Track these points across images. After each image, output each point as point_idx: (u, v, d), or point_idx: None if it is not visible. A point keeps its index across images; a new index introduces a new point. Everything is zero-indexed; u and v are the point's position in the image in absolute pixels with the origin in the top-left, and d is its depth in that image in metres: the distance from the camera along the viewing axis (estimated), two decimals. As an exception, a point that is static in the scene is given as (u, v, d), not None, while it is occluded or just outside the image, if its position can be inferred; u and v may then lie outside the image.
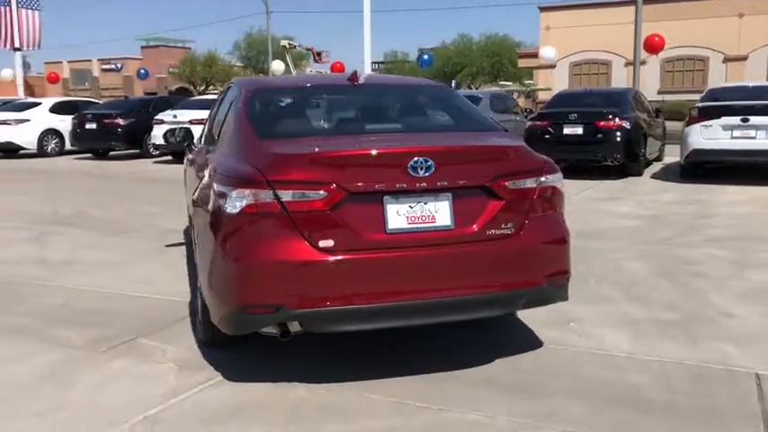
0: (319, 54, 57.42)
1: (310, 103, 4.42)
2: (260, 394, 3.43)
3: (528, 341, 4.10)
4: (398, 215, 3.34)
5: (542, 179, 3.59)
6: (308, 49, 59.50)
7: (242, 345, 3.91)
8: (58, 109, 19.34)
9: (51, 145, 18.83)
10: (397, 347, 4.03)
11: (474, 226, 3.43)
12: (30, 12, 25.24)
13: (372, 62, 21.72)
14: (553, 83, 38.34)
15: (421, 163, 3.31)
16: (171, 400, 3.36)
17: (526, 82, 51.33)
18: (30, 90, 42.89)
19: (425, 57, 34.60)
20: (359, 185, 3.28)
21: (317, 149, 3.41)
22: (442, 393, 3.43)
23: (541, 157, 3.73)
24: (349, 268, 3.27)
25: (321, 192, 3.23)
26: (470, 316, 3.62)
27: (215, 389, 3.50)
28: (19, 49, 25.35)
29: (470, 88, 56.66)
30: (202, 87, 54.10)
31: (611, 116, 12.14)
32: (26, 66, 55.99)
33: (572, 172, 12.55)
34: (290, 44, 59.41)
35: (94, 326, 4.45)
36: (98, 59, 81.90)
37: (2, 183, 13.45)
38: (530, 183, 3.55)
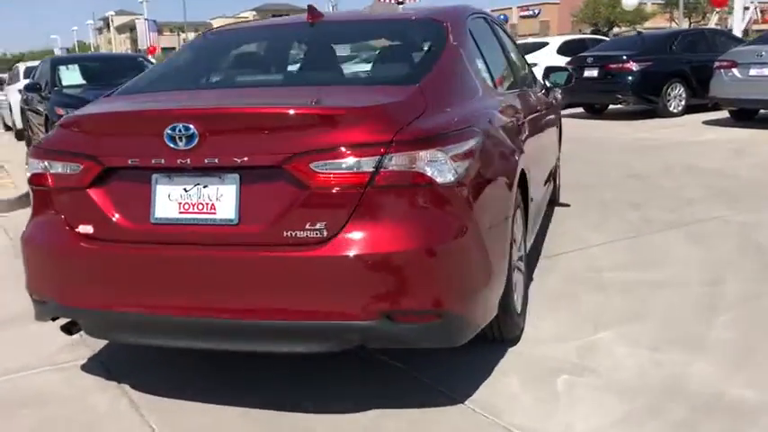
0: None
1: (230, 49, 3.58)
2: (67, 389, 3.02)
3: (451, 393, 2.80)
4: (170, 200, 2.51)
5: (387, 160, 2.33)
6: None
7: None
8: (564, 50, 15.83)
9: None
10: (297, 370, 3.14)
11: (264, 223, 2.41)
12: (412, -34, 26.89)
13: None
14: None
15: (180, 131, 2.41)
16: (11, 375, 3.19)
17: None
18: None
19: None
20: (117, 159, 2.55)
21: (80, 112, 2.76)
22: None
23: (411, 125, 2.41)
24: (106, 264, 2.60)
25: (79, 165, 2.60)
26: (273, 348, 2.55)
27: (57, 373, 3.20)
28: (402, 3, 27.31)
29: None
30: (606, 29, 51.31)
31: None
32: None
33: None
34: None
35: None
36: (517, 6, 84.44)
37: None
38: (364, 165, 2.33)
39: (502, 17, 53.37)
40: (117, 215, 2.56)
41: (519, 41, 20.61)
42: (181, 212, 2.49)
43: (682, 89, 12.55)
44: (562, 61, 14.18)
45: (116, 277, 2.58)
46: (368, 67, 3.22)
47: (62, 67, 10.60)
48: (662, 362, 2.99)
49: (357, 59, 3.31)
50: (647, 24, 51.79)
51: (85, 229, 2.61)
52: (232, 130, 2.43)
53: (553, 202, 5.78)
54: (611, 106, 13.88)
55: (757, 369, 2.88)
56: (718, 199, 5.98)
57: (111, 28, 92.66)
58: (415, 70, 2.92)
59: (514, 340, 3.23)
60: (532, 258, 4.39)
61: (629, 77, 12.25)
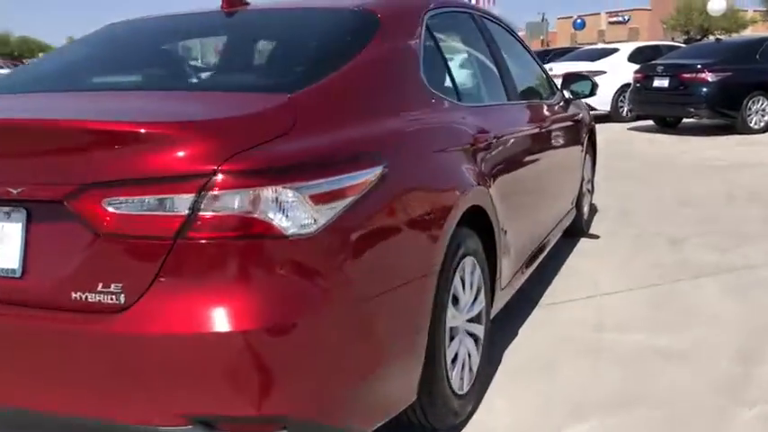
0: None
1: (117, 43, 2.93)
2: None
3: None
4: (-49, 239, 1.90)
5: (209, 199, 1.63)
6: None
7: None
8: (636, 57, 14.23)
9: (627, 107, 13.72)
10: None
11: (51, 279, 1.75)
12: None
13: None
14: None
15: (-53, 149, 1.79)
16: None
17: None
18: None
19: None
20: None
21: None
22: None
23: (254, 150, 1.70)
24: None
25: None
26: None
27: None
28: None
29: None
30: (699, 37, 48.41)
31: None
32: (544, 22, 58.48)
33: None
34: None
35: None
36: (606, 12, 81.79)
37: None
38: (177, 205, 1.64)
39: (579, 22, 51.11)
40: None
41: (587, 47, 19.41)
42: (-40, 256, 1.88)
43: (765, 103, 11.24)
44: (633, 69, 13.04)
45: None
46: (257, 67, 2.55)
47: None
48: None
49: (252, 58, 2.65)
50: (745, 33, 48.62)
51: None
52: (10, 150, 1.79)
53: (576, 233, 4.94)
54: (685, 120, 12.65)
55: None
56: (783, 238, 4.97)
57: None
58: (298, 75, 2.20)
59: (453, 428, 2.47)
60: (524, 308, 3.60)
61: (704, 89, 11.03)
